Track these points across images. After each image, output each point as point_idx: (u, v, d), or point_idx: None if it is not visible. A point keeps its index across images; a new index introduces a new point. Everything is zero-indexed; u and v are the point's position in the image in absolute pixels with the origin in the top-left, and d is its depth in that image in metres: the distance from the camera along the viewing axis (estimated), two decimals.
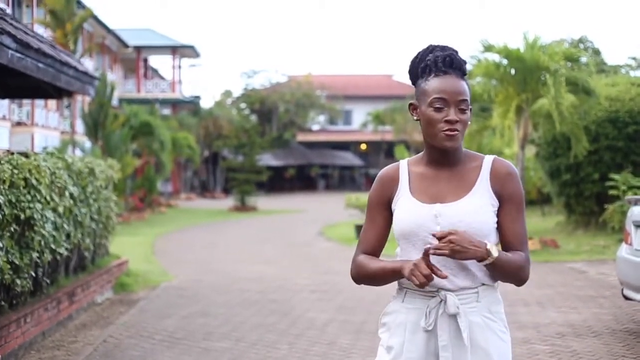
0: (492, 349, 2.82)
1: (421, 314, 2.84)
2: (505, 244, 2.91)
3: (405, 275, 2.74)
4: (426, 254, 2.69)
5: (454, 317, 2.79)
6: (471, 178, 2.89)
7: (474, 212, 2.82)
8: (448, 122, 2.80)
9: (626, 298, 7.93)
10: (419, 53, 2.94)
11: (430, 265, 2.70)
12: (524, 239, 2.91)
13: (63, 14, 22.80)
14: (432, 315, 2.81)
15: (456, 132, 2.80)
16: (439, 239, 2.68)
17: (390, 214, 2.98)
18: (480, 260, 2.73)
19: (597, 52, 30.32)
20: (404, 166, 2.99)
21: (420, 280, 2.68)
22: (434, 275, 2.75)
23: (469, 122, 2.89)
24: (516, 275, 2.84)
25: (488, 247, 2.72)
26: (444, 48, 2.90)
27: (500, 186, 2.87)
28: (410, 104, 2.94)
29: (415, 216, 2.85)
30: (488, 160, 2.93)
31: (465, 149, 2.98)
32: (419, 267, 2.69)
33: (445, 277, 2.70)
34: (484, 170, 2.89)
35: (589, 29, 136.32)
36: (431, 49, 2.92)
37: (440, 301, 2.81)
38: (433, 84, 2.84)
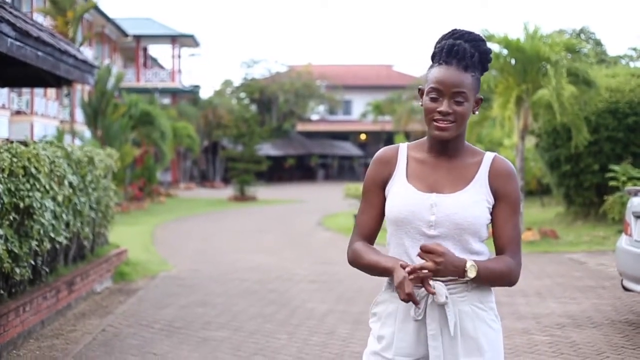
0: (482, 337, 2.82)
1: (411, 303, 2.82)
2: (496, 244, 2.91)
3: (394, 283, 2.74)
4: (413, 271, 2.69)
5: (443, 306, 2.78)
6: (470, 172, 2.87)
7: (470, 206, 2.80)
8: (440, 112, 2.79)
9: (625, 289, 7.93)
10: (440, 37, 2.91)
11: (421, 278, 2.69)
12: (515, 240, 2.88)
13: (64, 2, 22.75)
14: (422, 304, 2.80)
15: (447, 124, 2.79)
16: (426, 252, 2.68)
17: (385, 196, 2.95)
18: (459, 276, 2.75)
19: (598, 43, 30.25)
20: (404, 150, 2.97)
21: (402, 298, 2.68)
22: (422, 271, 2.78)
23: (470, 113, 2.85)
24: (500, 283, 2.85)
25: (466, 267, 2.71)
26: (461, 35, 2.86)
27: (498, 185, 2.86)
28: (419, 89, 2.92)
29: (411, 204, 2.83)
30: (489, 157, 2.91)
31: (468, 143, 2.96)
32: (404, 285, 2.67)
33: (432, 293, 2.70)
34: (483, 166, 2.88)
35: (590, 20, 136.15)
36: (450, 34, 2.89)
37: None
38: (433, 72, 2.83)
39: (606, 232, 16.06)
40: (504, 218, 2.87)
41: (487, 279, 2.78)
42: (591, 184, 18.03)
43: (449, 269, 2.68)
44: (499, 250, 2.89)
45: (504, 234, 2.86)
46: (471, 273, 2.71)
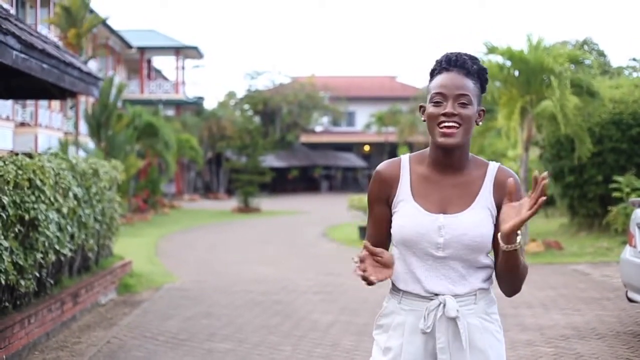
0: (490, 349, 2.82)
1: (419, 315, 2.81)
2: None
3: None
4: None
5: (452, 319, 2.78)
6: (475, 187, 2.85)
7: (477, 225, 2.78)
8: (445, 115, 2.76)
9: (630, 300, 7.93)
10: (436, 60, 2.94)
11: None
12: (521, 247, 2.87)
13: (78, 14, 22.79)
14: (431, 317, 2.79)
15: (453, 127, 2.75)
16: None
17: (391, 211, 2.92)
18: (507, 242, 2.64)
19: (602, 54, 30.24)
20: (406, 164, 2.93)
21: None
22: (430, 283, 2.79)
23: (477, 121, 2.83)
24: (521, 276, 2.78)
25: (518, 231, 2.64)
26: (459, 52, 2.88)
27: (502, 195, 2.79)
28: (421, 106, 2.90)
29: (419, 225, 2.80)
30: (493, 168, 2.88)
31: (472, 154, 2.94)
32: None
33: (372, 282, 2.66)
34: (487, 178, 2.85)
35: (594, 31, 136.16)
36: (446, 54, 2.90)
37: (439, 304, 2.79)
38: (435, 81, 2.84)
39: (610, 243, 16.05)
40: None
41: (520, 262, 2.72)
42: (595, 195, 18.01)
43: (518, 224, 2.60)
44: None
45: None
46: (519, 240, 2.66)
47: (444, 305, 2.78)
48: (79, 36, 22.57)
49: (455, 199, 2.84)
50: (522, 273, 2.79)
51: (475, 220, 2.79)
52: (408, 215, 2.84)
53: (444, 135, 2.77)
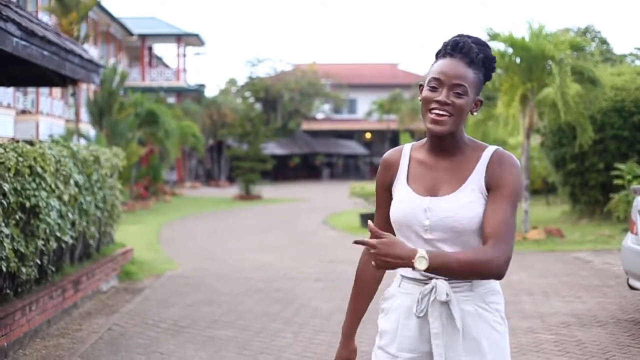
0: (484, 338, 2.75)
1: (415, 299, 2.80)
2: (483, 233, 2.73)
3: None
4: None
5: (446, 304, 2.74)
6: (468, 170, 2.80)
7: (463, 208, 2.73)
8: (438, 102, 2.73)
9: (631, 288, 7.93)
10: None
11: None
12: (500, 229, 2.67)
13: (70, 2, 22.78)
14: (424, 301, 2.77)
15: (444, 115, 2.73)
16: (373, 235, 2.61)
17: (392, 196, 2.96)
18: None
19: (604, 42, 30.20)
20: (407, 151, 2.95)
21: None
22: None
23: (468, 111, 2.78)
24: (476, 275, 2.66)
25: (415, 258, 2.54)
26: (468, 36, 2.82)
27: (493, 175, 2.76)
28: (420, 85, 2.88)
29: (407, 207, 2.81)
30: (488, 151, 2.82)
31: (471, 137, 2.89)
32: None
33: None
34: (482, 161, 2.80)
35: (596, 18, 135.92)
36: (456, 35, 2.85)
37: (433, 288, 2.76)
38: (436, 65, 2.80)
39: (612, 230, 16.04)
40: (493, 207, 2.72)
41: (449, 271, 2.60)
42: (596, 182, 18.02)
43: (388, 260, 2.56)
44: (484, 240, 2.71)
45: (489, 222, 2.69)
46: (420, 264, 2.55)
47: (436, 289, 2.76)
48: (71, 24, 22.52)
49: (446, 182, 2.82)
50: (474, 272, 2.64)
51: (462, 203, 2.75)
52: (400, 198, 2.86)
53: (434, 122, 2.75)
